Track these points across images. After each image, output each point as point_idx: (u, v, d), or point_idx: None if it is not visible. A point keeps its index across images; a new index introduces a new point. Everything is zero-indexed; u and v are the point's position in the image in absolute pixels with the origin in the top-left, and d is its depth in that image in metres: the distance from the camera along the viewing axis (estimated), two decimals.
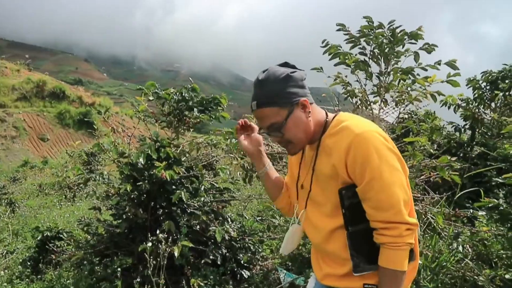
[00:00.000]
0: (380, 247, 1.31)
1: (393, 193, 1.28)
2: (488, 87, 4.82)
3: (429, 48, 2.78)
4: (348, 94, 2.92)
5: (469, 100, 4.85)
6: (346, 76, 2.99)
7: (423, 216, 2.61)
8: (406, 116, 6.08)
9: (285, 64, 1.45)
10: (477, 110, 4.71)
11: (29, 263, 4.57)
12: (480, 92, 4.80)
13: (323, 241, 1.44)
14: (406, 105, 3.10)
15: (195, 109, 3.42)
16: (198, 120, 3.45)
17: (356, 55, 2.89)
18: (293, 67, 1.45)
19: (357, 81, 2.92)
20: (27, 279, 4.32)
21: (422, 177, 2.70)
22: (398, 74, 2.76)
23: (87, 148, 13.56)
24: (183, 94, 3.37)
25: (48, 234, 4.62)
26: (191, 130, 3.82)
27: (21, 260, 4.81)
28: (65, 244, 4.48)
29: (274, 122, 1.39)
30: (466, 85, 4.81)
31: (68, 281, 3.46)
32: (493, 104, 4.84)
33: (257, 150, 1.63)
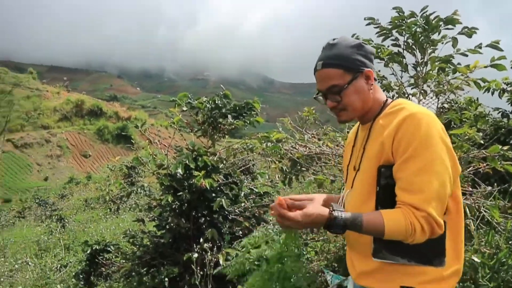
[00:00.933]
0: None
1: (428, 181, 1.19)
2: None
3: (470, 32, 2.64)
4: (384, 88, 2.82)
5: None
6: (379, 71, 2.90)
7: (475, 211, 2.47)
8: (447, 105, 5.84)
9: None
10: None
11: (81, 276, 4.75)
12: None
13: None
14: (448, 96, 2.96)
15: (229, 115, 3.43)
16: (233, 126, 3.45)
17: (388, 47, 2.79)
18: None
19: (393, 74, 2.82)
20: None
21: (470, 168, 2.56)
22: (437, 63, 2.64)
23: (126, 161, 14.01)
24: (216, 102, 3.40)
25: (97, 247, 4.79)
26: (227, 136, 3.84)
27: (74, 274, 5.01)
28: (113, 257, 4.62)
29: (336, 84, 1.36)
30: (511, 67, 4.53)
31: None
32: None
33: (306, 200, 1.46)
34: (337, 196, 1.59)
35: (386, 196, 1.28)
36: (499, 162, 2.44)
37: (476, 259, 2.17)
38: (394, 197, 1.26)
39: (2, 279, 4.95)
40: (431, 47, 2.69)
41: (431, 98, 2.88)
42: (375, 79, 1.40)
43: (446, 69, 2.77)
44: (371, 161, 1.33)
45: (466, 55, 2.65)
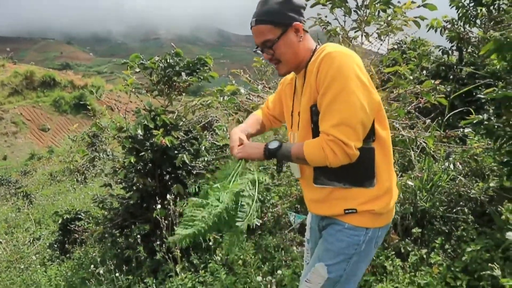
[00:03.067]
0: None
1: (337, 109, 1.36)
2: (471, 4, 4.74)
3: None
4: (329, 33, 2.93)
5: (454, 20, 4.79)
6: (326, 16, 2.99)
7: (415, 141, 2.72)
8: (396, 47, 6.05)
9: None
10: (462, 30, 4.67)
11: (56, 246, 4.83)
12: (464, 11, 4.74)
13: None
14: (390, 36, 3.11)
15: (182, 73, 3.46)
16: (188, 83, 3.49)
17: None
18: None
19: (336, 19, 2.93)
20: (57, 260, 4.58)
21: (413, 104, 2.78)
22: (377, 5, 2.76)
23: (88, 130, 13.69)
24: (168, 61, 3.40)
25: (68, 216, 4.84)
26: (183, 94, 3.88)
27: (48, 244, 5.07)
28: (85, 223, 4.70)
29: (268, 40, 1.51)
30: (449, 5, 4.73)
31: (94, 255, 3.68)
32: (478, 22, 4.79)
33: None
34: (259, 121, 1.88)
35: (318, 131, 1.44)
36: (433, 97, 2.66)
37: (410, 183, 2.43)
38: None
39: None
40: None
41: (375, 39, 3.02)
42: (304, 30, 1.52)
43: (387, 11, 2.90)
44: (306, 103, 1.49)
45: None
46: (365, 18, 2.82)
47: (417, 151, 2.79)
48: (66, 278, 3.98)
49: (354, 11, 2.87)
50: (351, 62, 1.39)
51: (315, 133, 1.47)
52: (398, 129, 2.63)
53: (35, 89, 69.34)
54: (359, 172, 1.47)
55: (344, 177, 1.48)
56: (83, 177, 9.92)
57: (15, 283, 4.13)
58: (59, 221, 4.89)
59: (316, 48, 1.56)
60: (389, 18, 2.76)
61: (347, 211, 1.50)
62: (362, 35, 2.87)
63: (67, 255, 4.61)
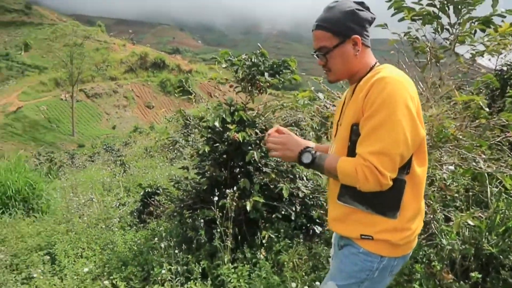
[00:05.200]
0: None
1: (379, 137, 1.34)
2: None
3: None
4: (416, 50, 2.78)
5: None
6: (417, 30, 2.85)
7: (494, 178, 2.47)
8: (505, 68, 5.49)
9: (360, 3, 1.53)
10: None
11: (135, 214, 5.34)
12: None
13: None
14: (488, 57, 2.86)
15: (265, 73, 3.57)
16: (269, 84, 3.60)
17: (422, 8, 2.72)
18: (367, 8, 1.53)
19: (424, 36, 2.77)
20: (135, 227, 5.08)
21: (500, 137, 2.53)
22: (474, 24, 2.55)
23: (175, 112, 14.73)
24: (253, 60, 3.54)
25: (149, 190, 5.32)
26: (265, 93, 4.00)
27: (129, 212, 5.63)
28: (162, 199, 5.12)
29: (324, 46, 1.52)
30: None
31: (161, 229, 4.01)
32: None
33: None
34: (325, 146, 1.79)
35: (355, 150, 1.44)
36: None
37: (470, 223, 2.24)
38: None
39: (73, 211, 5.70)
40: (468, 7, 2.59)
41: (469, 59, 2.81)
42: (364, 45, 1.50)
43: (487, 30, 2.67)
44: (348, 119, 1.49)
45: (504, 16, 2.54)
46: (458, 36, 2.62)
47: (497, 189, 2.54)
48: (138, 244, 4.41)
49: (446, 29, 2.69)
50: (403, 90, 1.36)
51: (351, 151, 1.46)
52: (478, 161, 2.41)
53: (147, 69, 76.12)
54: (385, 201, 1.44)
55: (369, 202, 1.46)
56: (171, 156, 10.73)
57: (99, 238, 4.69)
58: (141, 193, 5.40)
59: (374, 65, 1.53)
60: (486, 40, 2.54)
61: (363, 236, 1.48)
62: (451, 55, 2.67)
63: (143, 225, 5.08)
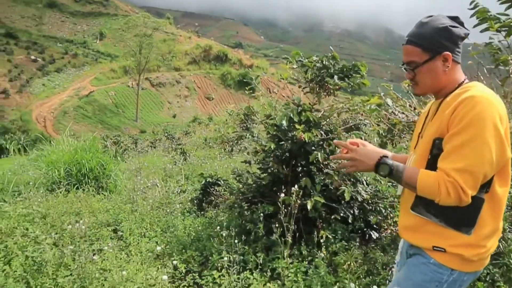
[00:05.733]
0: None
1: (465, 155, 1.35)
2: None
3: None
4: (497, 62, 2.68)
5: None
6: (500, 42, 2.74)
7: None
8: None
9: (454, 18, 1.56)
10: None
11: (195, 202, 5.61)
12: None
13: None
14: None
15: (335, 76, 3.61)
16: (338, 87, 3.63)
17: (509, 18, 2.61)
18: (461, 24, 1.55)
19: (509, 47, 2.66)
20: (194, 214, 5.34)
21: None
22: None
23: (244, 108, 15.05)
24: (324, 62, 3.59)
25: (210, 180, 5.55)
26: (335, 95, 4.03)
27: (190, 199, 5.91)
28: (222, 190, 5.33)
29: (413, 61, 1.56)
30: None
31: (222, 219, 4.19)
32: None
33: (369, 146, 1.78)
34: (404, 156, 1.81)
35: (434, 164, 1.47)
36: None
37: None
38: None
39: (138, 193, 6.09)
40: None
41: None
42: (454, 61, 1.51)
43: None
44: (431, 133, 1.52)
45: None
46: None
47: None
48: (197, 230, 4.64)
49: None
50: (493, 111, 1.37)
51: (431, 164, 1.49)
52: None
53: (210, 61, 78.18)
54: (460, 216, 1.46)
55: (444, 215, 1.48)
56: (230, 148, 11.03)
57: (161, 221, 4.99)
58: (203, 182, 5.65)
59: (463, 82, 1.54)
60: None
61: (435, 248, 1.50)
62: None
63: (202, 212, 5.33)
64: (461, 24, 1.54)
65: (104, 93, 63.90)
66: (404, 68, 1.61)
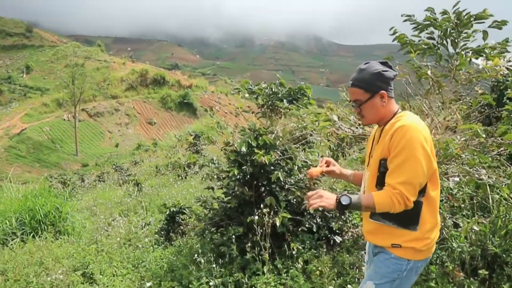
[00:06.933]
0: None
1: (404, 171, 1.78)
2: None
3: (500, 24, 2.89)
4: (419, 77, 3.16)
5: None
6: (419, 61, 3.22)
7: (495, 188, 2.86)
8: (501, 79, 5.90)
9: (385, 63, 2.01)
10: None
11: (162, 233, 5.67)
12: None
13: None
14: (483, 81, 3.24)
15: (284, 100, 3.96)
16: (288, 109, 3.98)
17: (421, 39, 3.11)
18: (390, 67, 2.00)
19: (427, 65, 3.16)
20: (162, 245, 5.41)
21: (494, 152, 2.92)
22: (469, 54, 2.93)
23: (191, 130, 15.12)
24: (273, 89, 3.93)
25: (174, 209, 5.66)
26: (285, 117, 4.38)
27: (155, 230, 5.96)
28: (187, 218, 5.46)
29: (358, 99, 1.99)
30: None
31: (197, 246, 4.34)
32: None
33: (337, 169, 2.28)
34: (361, 173, 2.23)
35: (382, 179, 1.90)
36: None
37: (476, 228, 2.62)
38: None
39: (101, 232, 6.03)
40: (464, 40, 2.99)
41: (465, 85, 3.19)
42: (389, 97, 1.96)
43: (479, 59, 3.06)
44: (377, 155, 1.96)
45: (495, 49, 2.93)
46: (456, 66, 3.01)
47: (498, 196, 2.91)
48: (169, 261, 4.73)
49: (445, 59, 3.08)
50: (420, 136, 1.80)
51: (379, 180, 1.92)
52: (480, 173, 2.80)
53: (147, 86, 76.76)
54: (407, 218, 1.89)
55: (394, 219, 1.91)
56: (184, 174, 11.09)
57: (130, 257, 5.01)
58: (166, 212, 5.74)
59: (397, 112, 1.98)
60: (480, 67, 2.93)
61: (393, 245, 1.92)
62: (452, 80, 3.06)
63: (170, 242, 5.41)
64: (390, 67, 2.00)
65: (37, 129, 60.30)
66: (352, 105, 2.01)
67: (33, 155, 55.53)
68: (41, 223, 6.66)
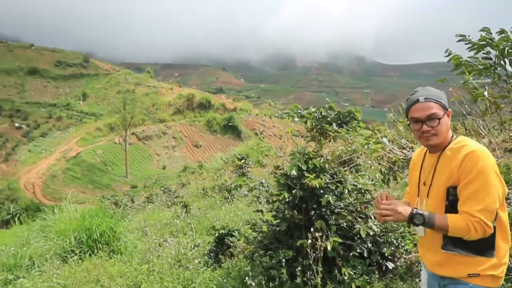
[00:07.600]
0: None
1: (481, 198, 1.75)
2: None
3: None
4: (475, 98, 3.06)
5: None
6: (474, 81, 3.14)
7: None
8: None
9: None
10: None
11: (211, 255, 5.76)
12: None
13: None
14: None
15: (333, 124, 3.98)
16: (338, 133, 3.99)
17: (476, 60, 3.04)
18: None
19: (484, 86, 3.06)
20: (211, 267, 5.48)
21: None
22: None
23: (237, 153, 15.36)
24: (322, 113, 3.97)
25: (222, 231, 5.75)
26: (335, 141, 4.38)
27: (205, 252, 6.06)
28: (235, 240, 5.52)
29: (436, 113, 1.92)
30: None
31: (247, 268, 4.37)
32: None
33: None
34: (405, 202, 2.18)
35: (452, 207, 1.86)
36: None
37: None
38: (456, 207, 1.84)
39: (153, 252, 6.22)
40: None
41: None
42: None
43: None
44: (441, 182, 1.90)
45: None
46: None
47: None
48: (219, 282, 4.79)
49: (503, 79, 2.98)
50: (491, 161, 1.79)
51: (449, 209, 1.86)
52: None
53: (194, 109, 79.28)
54: (483, 245, 1.82)
55: (469, 248, 1.84)
56: (231, 196, 11.23)
57: (180, 278, 5.12)
58: (216, 234, 5.83)
59: (452, 136, 1.95)
60: None
61: (470, 275, 1.85)
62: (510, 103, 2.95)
63: (219, 264, 5.47)
64: None
65: (91, 152, 63.75)
66: (420, 123, 1.93)
67: (87, 176, 58.61)
68: (97, 242, 6.98)
